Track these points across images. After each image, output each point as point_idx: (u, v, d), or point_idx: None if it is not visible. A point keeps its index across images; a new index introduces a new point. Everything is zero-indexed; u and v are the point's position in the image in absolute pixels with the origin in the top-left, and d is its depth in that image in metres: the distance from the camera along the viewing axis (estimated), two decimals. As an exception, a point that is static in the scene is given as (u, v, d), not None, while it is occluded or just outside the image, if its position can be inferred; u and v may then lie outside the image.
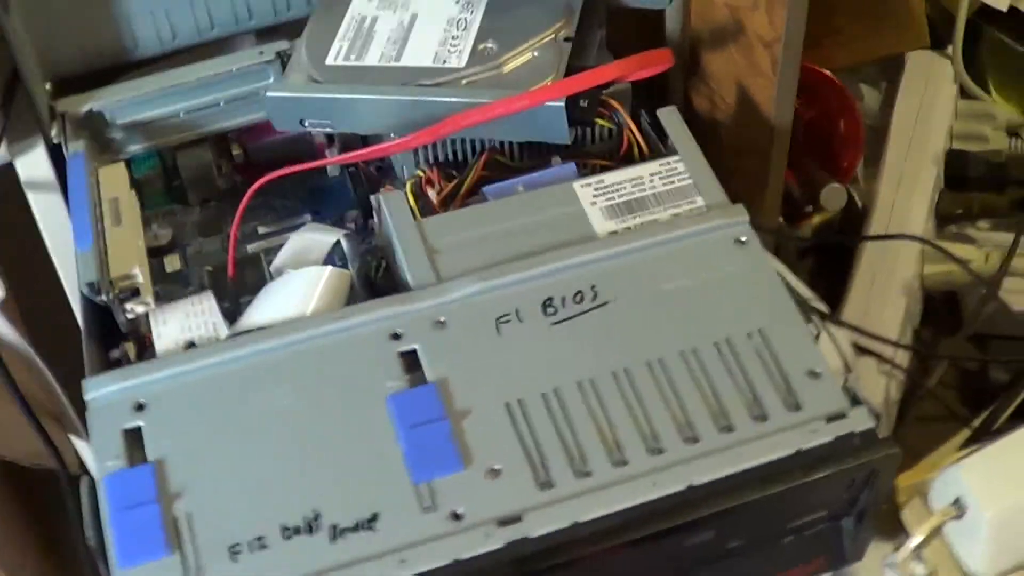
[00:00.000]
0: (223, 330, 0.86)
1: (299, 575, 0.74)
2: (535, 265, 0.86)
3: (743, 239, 0.88)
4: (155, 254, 1.00)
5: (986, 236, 1.19)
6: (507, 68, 0.95)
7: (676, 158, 0.92)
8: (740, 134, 1.01)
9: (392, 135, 0.97)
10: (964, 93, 1.25)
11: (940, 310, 1.17)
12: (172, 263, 1.01)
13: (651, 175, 0.92)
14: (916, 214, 1.12)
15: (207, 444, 0.80)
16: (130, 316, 0.90)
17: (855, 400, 0.82)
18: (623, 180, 0.91)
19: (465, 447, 0.79)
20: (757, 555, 0.86)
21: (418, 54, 0.97)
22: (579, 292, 0.85)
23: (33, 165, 1.05)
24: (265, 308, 0.87)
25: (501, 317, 0.84)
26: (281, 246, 1.00)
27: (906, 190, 1.13)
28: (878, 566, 0.91)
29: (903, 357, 1.06)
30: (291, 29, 1.07)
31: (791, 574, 0.90)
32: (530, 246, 0.88)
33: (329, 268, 0.87)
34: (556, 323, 0.84)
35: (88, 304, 0.91)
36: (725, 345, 0.83)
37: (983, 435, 1.04)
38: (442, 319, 0.84)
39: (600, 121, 0.96)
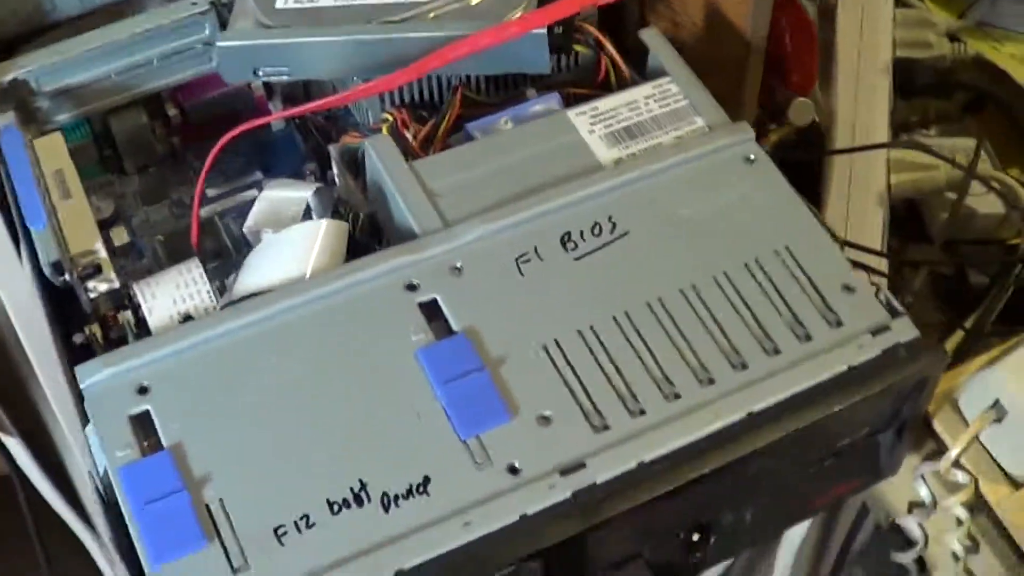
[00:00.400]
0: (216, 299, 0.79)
1: (357, 550, 0.69)
2: (545, 200, 0.81)
3: (752, 157, 0.85)
4: (100, 228, 0.91)
5: (938, 143, 1.17)
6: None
7: (668, 79, 0.88)
8: (710, 54, 0.96)
9: (356, 78, 0.91)
10: (897, 1, 1.23)
11: (903, 219, 1.15)
12: (119, 236, 0.93)
13: (646, 98, 0.87)
14: (879, 125, 1.09)
15: (226, 422, 0.73)
16: (93, 295, 0.83)
17: (893, 311, 0.79)
18: (618, 105, 0.87)
19: (509, 396, 0.74)
20: (802, 480, 0.82)
21: (376, -10, 0.91)
22: (596, 224, 0.80)
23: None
24: (261, 271, 0.81)
25: (520, 257, 0.79)
26: (236, 208, 0.96)
27: (864, 103, 1.10)
28: (906, 479, 0.88)
29: (884, 267, 1.03)
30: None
31: (830, 495, 0.87)
32: (535, 181, 0.83)
33: (326, 221, 0.81)
34: (578, 258, 0.79)
35: (46, 287, 0.84)
36: (755, 266, 0.80)
37: (977, 337, 1.02)
38: (458, 264, 0.78)
39: (578, 47, 0.91)
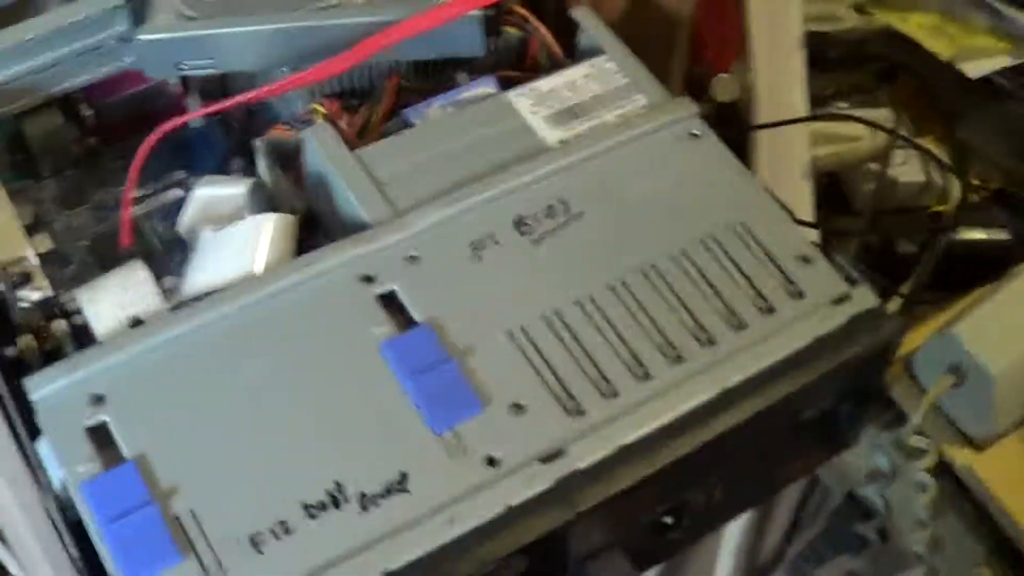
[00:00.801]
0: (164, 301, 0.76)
1: (340, 554, 0.66)
2: (496, 183, 0.79)
3: (696, 132, 0.84)
4: (22, 235, 0.88)
5: (854, 113, 1.17)
6: (407, -17, 0.87)
7: (604, 58, 0.87)
8: (636, 33, 0.95)
9: (284, 69, 0.88)
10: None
11: (825, 192, 1.15)
12: (42, 243, 0.89)
13: (584, 77, 0.86)
14: (797, 99, 1.09)
15: (189, 429, 0.70)
16: (24, 306, 0.79)
17: (852, 279, 0.78)
18: (558, 86, 0.85)
19: (479, 386, 0.72)
20: (770, 454, 0.82)
21: (302, -22, 0.88)
22: (550, 206, 0.79)
23: None
24: (208, 269, 0.78)
25: (476, 242, 0.77)
26: (161, 208, 0.92)
27: (782, 77, 1.10)
28: (861, 449, 0.88)
29: (816, 240, 1.03)
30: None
31: (796, 468, 0.86)
32: (482, 165, 0.81)
33: (273, 215, 0.79)
34: (535, 241, 0.78)
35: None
36: (712, 242, 0.79)
37: (915, 303, 1.02)
38: (414, 253, 0.76)
39: (509, 29, 0.89)
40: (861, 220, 1.12)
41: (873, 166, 1.13)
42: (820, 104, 1.19)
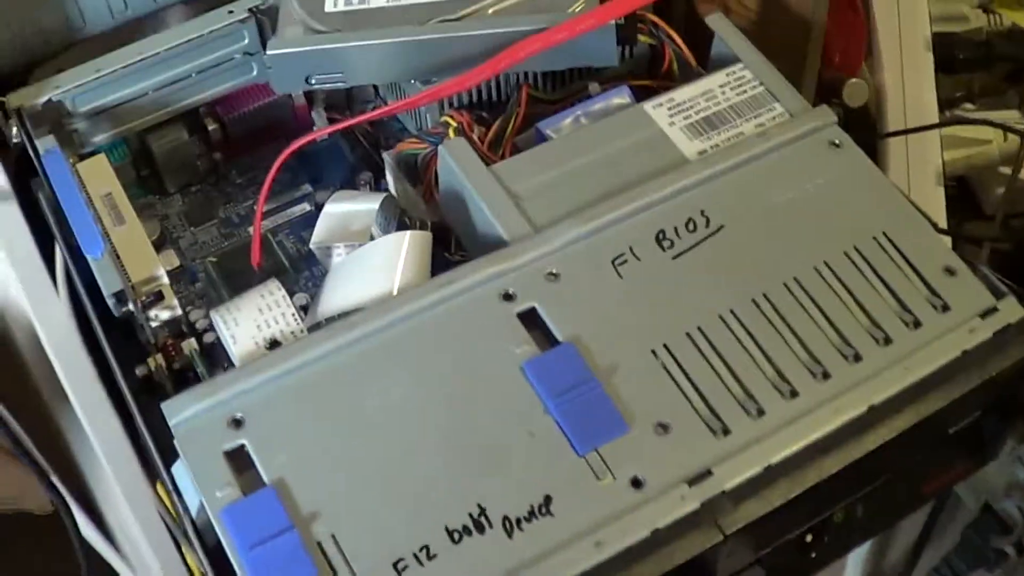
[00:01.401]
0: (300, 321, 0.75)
1: (487, 580, 0.65)
2: (634, 198, 0.78)
3: (837, 141, 0.82)
4: (150, 252, 0.88)
5: (983, 115, 1.15)
6: (534, -9, 0.86)
7: (740, 66, 0.85)
8: (766, 39, 0.93)
9: (414, 81, 0.87)
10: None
11: (955, 196, 1.13)
12: (169, 260, 0.90)
13: (721, 87, 0.84)
14: (928, 102, 1.07)
15: (328, 453, 0.69)
16: (155, 324, 0.79)
17: (998, 291, 0.76)
18: (694, 96, 0.84)
19: (623, 405, 0.70)
20: (913, 469, 0.80)
21: (430, -13, 0.87)
22: (690, 220, 0.77)
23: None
24: (345, 290, 0.77)
25: (617, 258, 0.76)
26: (287, 223, 0.93)
27: (911, 80, 1.08)
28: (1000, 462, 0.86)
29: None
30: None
31: (939, 481, 0.85)
32: (621, 178, 0.79)
33: (409, 233, 0.78)
34: (676, 256, 0.76)
35: (105, 319, 0.81)
36: (855, 253, 0.77)
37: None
38: (554, 271, 0.75)
39: (643, 38, 0.88)
40: (992, 225, 1.10)
41: (1003, 169, 1.10)
42: (949, 107, 1.17)
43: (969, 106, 1.18)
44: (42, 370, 0.92)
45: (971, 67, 1.18)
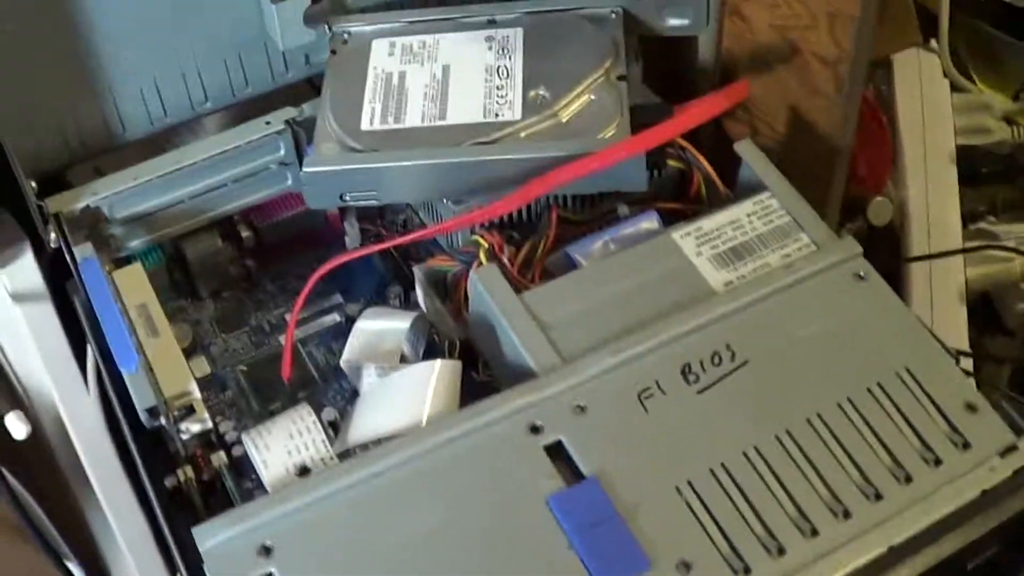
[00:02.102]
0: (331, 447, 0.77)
1: None
2: (662, 330, 0.79)
3: (862, 274, 0.83)
4: (181, 361, 0.89)
5: (1006, 229, 1.16)
6: (565, 115, 0.88)
7: (767, 195, 0.86)
8: (793, 159, 0.95)
9: (447, 201, 0.88)
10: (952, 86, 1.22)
11: (977, 310, 1.14)
12: (200, 367, 0.91)
13: (748, 216, 0.86)
14: (952, 219, 1.09)
15: (356, 582, 0.70)
16: (185, 437, 0.81)
17: (1019, 429, 0.77)
18: (722, 225, 0.85)
19: (646, 542, 0.71)
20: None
21: (464, 109, 0.89)
22: (716, 353, 0.79)
23: (21, 275, 0.92)
24: (375, 417, 0.78)
25: (643, 392, 0.77)
26: (317, 334, 0.94)
27: (935, 194, 1.10)
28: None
29: (970, 365, 1.02)
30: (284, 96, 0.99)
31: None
32: (649, 309, 0.81)
33: (439, 362, 0.79)
34: (701, 391, 0.77)
35: (135, 425, 0.81)
36: (878, 389, 0.78)
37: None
38: (581, 403, 0.76)
39: (672, 163, 0.89)
40: (1014, 339, 1.10)
41: (1026, 285, 1.12)
42: (972, 220, 1.18)
43: (992, 219, 1.19)
44: (69, 461, 0.94)
45: (995, 180, 1.19)
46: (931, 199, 1.10)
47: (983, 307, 1.16)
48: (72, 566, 0.98)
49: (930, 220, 1.09)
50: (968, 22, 1.28)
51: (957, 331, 1.05)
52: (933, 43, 1.22)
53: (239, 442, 0.82)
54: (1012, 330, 1.13)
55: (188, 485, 0.82)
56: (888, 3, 1.15)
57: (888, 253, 1.09)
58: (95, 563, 1.01)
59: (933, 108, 1.15)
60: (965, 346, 1.03)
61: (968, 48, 1.30)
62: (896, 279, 1.06)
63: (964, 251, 1.06)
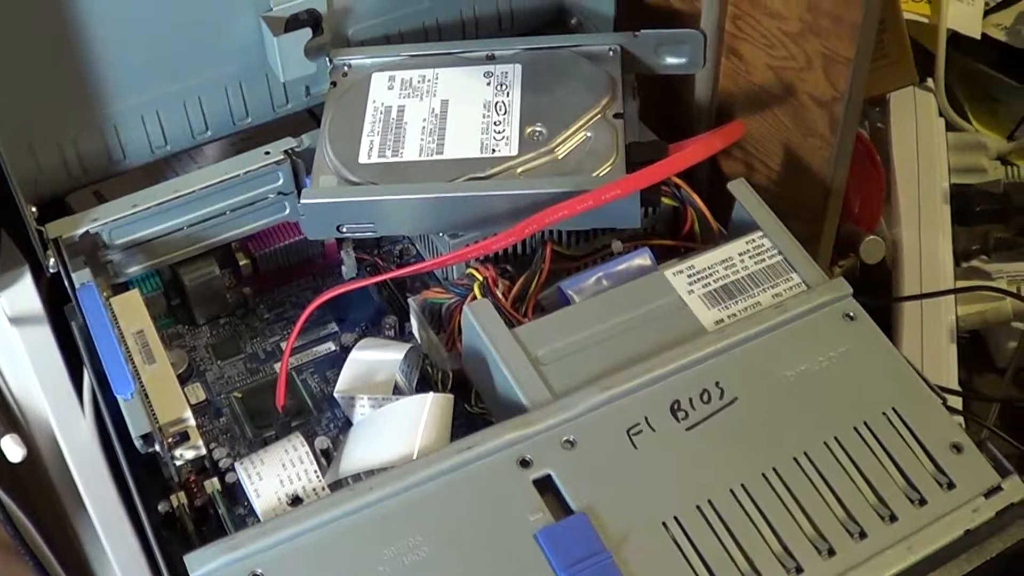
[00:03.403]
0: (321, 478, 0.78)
1: None
2: (652, 368, 0.80)
3: (851, 314, 0.84)
4: (176, 387, 0.90)
5: (998, 268, 1.17)
6: (561, 152, 0.89)
7: (759, 234, 0.87)
8: (787, 198, 0.96)
9: (442, 234, 0.90)
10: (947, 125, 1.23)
11: (968, 348, 1.15)
12: (195, 394, 0.91)
13: (740, 255, 0.87)
14: (944, 257, 1.10)
15: (343, 613, 0.71)
16: (179, 463, 0.82)
17: (1003, 470, 0.78)
18: (714, 263, 0.86)
19: (633, 577, 0.72)
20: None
21: (461, 144, 0.90)
22: (705, 391, 0.79)
23: (20, 299, 0.93)
24: (366, 449, 0.79)
25: (632, 428, 0.78)
26: (312, 362, 0.94)
27: (928, 234, 1.11)
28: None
29: (959, 404, 1.03)
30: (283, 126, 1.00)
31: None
32: (639, 347, 0.82)
33: (431, 396, 0.80)
34: (690, 428, 0.78)
35: (131, 456, 0.83)
36: (864, 429, 0.79)
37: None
38: (571, 438, 0.77)
39: (666, 200, 0.91)
40: (1003, 378, 1.11)
41: (1017, 324, 1.12)
42: (964, 259, 1.19)
43: (985, 258, 1.20)
44: (64, 483, 0.95)
45: (988, 219, 1.20)
46: (924, 238, 1.11)
47: (974, 345, 1.17)
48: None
49: (922, 258, 1.10)
50: (964, 62, 1.29)
51: (947, 369, 1.05)
52: (929, 82, 1.23)
53: (232, 469, 0.83)
54: (1002, 368, 1.14)
55: (181, 510, 0.83)
56: (885, 43, 1.16)
57: (880, 291, 1.10)
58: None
59: (928, 146, 1.17)
60: (955, 384, 1.04)
61: (964, 88, 1.31)
62: (888, 317, 1.07)
63: (955, 291, 1.06)
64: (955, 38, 1.25)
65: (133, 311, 0.88)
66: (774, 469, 0.77)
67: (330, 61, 0.98)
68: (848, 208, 1.09)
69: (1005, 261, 1.19)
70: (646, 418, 0.78)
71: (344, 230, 0.89)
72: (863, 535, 0.75)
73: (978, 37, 1.24)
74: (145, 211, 0.92)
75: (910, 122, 1.19)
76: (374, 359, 0.87)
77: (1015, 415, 1.12)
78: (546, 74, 0.95)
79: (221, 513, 0.83)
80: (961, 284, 1.11)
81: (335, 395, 0.87)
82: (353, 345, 0.90)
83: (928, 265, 1.09)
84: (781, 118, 0.95)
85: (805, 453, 0.78)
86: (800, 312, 0.83)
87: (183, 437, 0.82)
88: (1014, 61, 1.28)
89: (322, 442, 0.85)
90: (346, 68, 0.98)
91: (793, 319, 0.83)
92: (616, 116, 0.91)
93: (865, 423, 0.79)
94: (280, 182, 0.95)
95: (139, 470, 0.86)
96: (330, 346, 0.95)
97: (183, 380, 0.92)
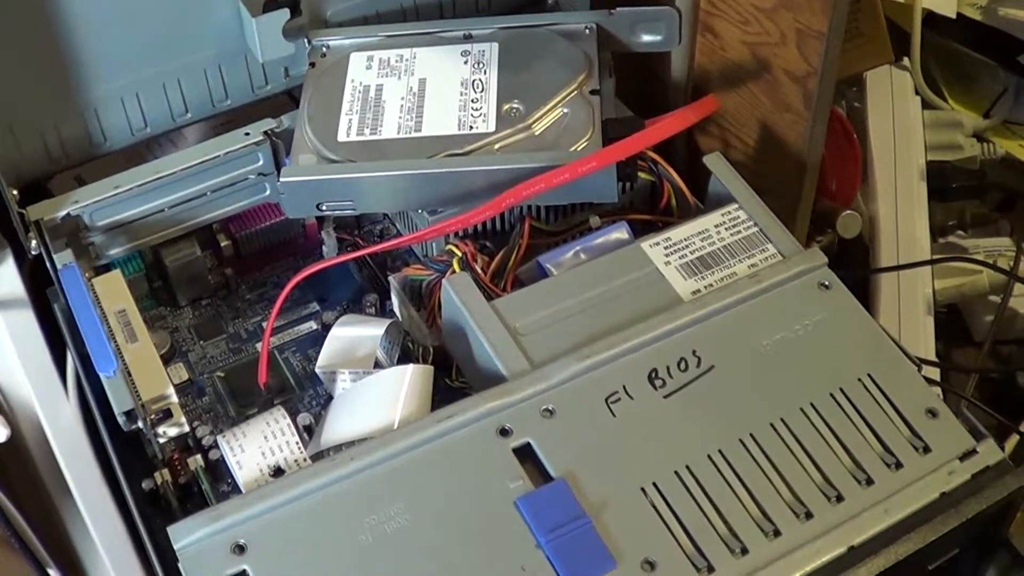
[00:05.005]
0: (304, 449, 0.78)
1: None
2: (630, 337, 0.81)
3: (826, 283, 0.85)
4: (159, 366, 0.91)
5: (974, 243, 1.18)
6: (538, 128, 0.90)
7: (735, 206, 0.88)
8: (763, 173, 0.97)
9: (421, 211, 0.90)
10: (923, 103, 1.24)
11: (945, 321, 1.15)
12: (178, 374, 0.92)
13: (716, 227, 0.87)
14: (921, 232, 1.11)
15: (326, 579, 0.71)
16: (163, 440, 0.82)
17: (978, 433, 0.79)
18: (690, 235, 0.87)
19: (612, 542, 0.73)
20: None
21: (439, 121, 0.91)
22: (682, 359, 0.80)
23: (2, 282, 0.95)
24: (348, 420, 0.80)
25: (610, 396, 0.79)
26: (294, 341, 0.95)
27: (905, 210, 1.12)
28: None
29: (937, 375, 1.04)
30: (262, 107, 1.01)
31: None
32: (617, 316, 0.82)
33: (411, 367, 0.81)
34: (667, 395, 0.79)
35: (113, 429, 0.83)
36: (841, 395, 0.80)
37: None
38: (550, 407, 0.78)
39: (642, 175, 0.91)
40: (981, 352, 1.12)
41: (994, 298, 1.13)
42: (941, 234, 1.20)
43: (961, 234, 1.21)
44: (48, 467, 0.95)
45: (964, 195, 1.21)
46: (900, 213, 1.11)
47: (951, 320, 1.18)
48: (53, 573, 0.99)
49: (899, 234, 1.11)
50: (940, 41, 1.30)
51: (924, 342, 1.06)
52: (905, 61, 1.24)
53: (216, 446, 0.84)
54: (980, 343, 1.15)
55: (165, 487, 0.83)
56: (860, 21, 1.17)
57: (858, 266, 1.11)
58: (74, 569, 1.01)
59: (904, 124, 1.17)
60: (932, 356, 1.05)
61: (940, 66, 1.32)
62: (865, 291, 1.07)
63: (932, 262, 1.07)
64: (931, 17, 1.26)
65: (115, 291, 0.88)
66: (751, 435, 0.78)
67: (308, 42, 0.99)
68: (825, 186, 1.09)
69: (981, 236, 1.20)
70: (624, 386, 0.79)
71: (324, 208, 0.90)
72: (840, 498, 0.76)
73: (953, 16, 1.25)
74: (126, 192, 0.92)
75: (887, 101, 1.20)
76: (355, 335, 0.87)
77: (992, 388, 1.13)
78: (523, 52, 0.96)
79: (205, 489, 0.83)
80: (937, 257, 1.12)
81: (316, 371, 0.88)
82: (334, 323, 0.90)
83: (905, 241, 1.10)
84: (756, 94, 0.96)
85: (782, 419, 0.78)
86: (776, 282, 0.84)
87: (166, 414, 0.82)
88: (989, 40, 1.29)
89: (304, 419, 0.86)
90: (324, 49, 0.99)
91: (769, 288, 0.84)
92: (592, 93, 0.91)
93: (841, 389, 0.80)
94: (260, 163, 0.95)
95: (123, 449, 0.86)
96: (312, 325, 0.96)
97: (166, 361, 0.93)
